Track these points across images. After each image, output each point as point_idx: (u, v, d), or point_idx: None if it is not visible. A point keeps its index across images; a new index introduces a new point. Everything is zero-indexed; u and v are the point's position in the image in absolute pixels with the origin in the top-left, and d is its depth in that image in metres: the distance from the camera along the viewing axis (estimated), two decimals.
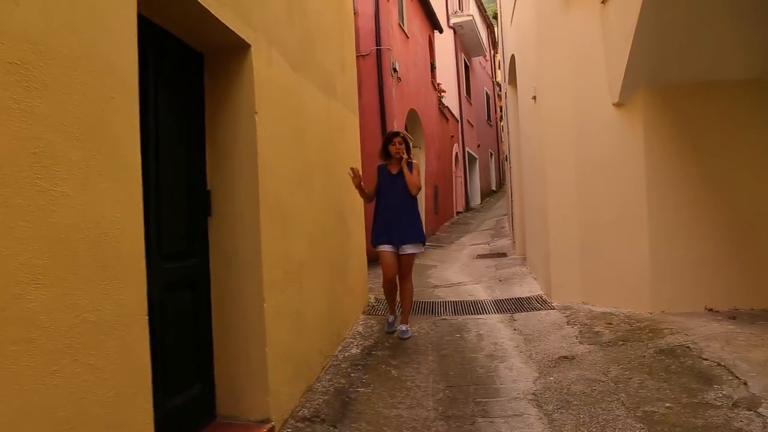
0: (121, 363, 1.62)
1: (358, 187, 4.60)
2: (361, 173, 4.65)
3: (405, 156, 4.62)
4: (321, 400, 3.37)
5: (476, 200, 21.06)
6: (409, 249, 4.60)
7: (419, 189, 4.70)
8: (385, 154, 4.70)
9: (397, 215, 4.58)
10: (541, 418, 3.06)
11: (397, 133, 4.74)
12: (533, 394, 3.39)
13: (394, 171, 4.66)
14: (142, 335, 1.74)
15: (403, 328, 4.64)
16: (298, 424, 3.05)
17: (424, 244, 4.84)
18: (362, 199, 5.00)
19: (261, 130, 2.86)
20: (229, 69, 2.85)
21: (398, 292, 4.77)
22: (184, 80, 2.73)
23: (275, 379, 2.90)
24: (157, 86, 2.43)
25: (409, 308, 4.75)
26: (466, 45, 19.63)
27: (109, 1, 1.66)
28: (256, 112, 2.83)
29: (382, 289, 4.93)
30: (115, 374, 1.59)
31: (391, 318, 4.87)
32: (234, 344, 2.83)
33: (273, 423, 2.83)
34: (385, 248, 4.58)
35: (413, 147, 11.71)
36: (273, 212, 2.98)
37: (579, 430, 2.87)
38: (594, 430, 2.84)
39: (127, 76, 1.76)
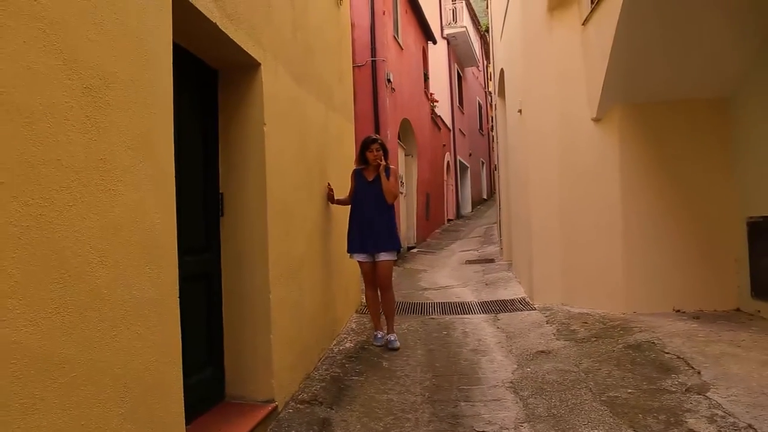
0: (159, 335, 1.95)
1: (330, 200, 4.64)
2: (332, 189, 4.68)
3: (383, 162, 4.54)
4: (319, 386, 3.69)
5: (467, 208, 21.45)
6: (383, 256, 4.51)
7: (396, 197, 4.62)
8: (362, 159, 4.64)
9: (371, 222, 4.51)
10: (517, 402, 3.39)
11: (375, 140, 4.61)
12: (511, 382, 3.73)
13: (370, 178, 4.60)
14: (174, 313, 2.06)
15: (391, 338, 4.61)
16: (298, 405, 3.37)
17: (398, 252, 4.82)
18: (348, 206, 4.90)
19: (268, 139, 3.19)
20: (241, 84, 3.18)
21: (381, 303, 4.70)
22: (201, 94, 3.06)
23: (279, 365, 3.21)
24: (180, 100, 2.75)
25: (392, 318, 4.69)
26: (459, 56, 20.09)
27: (152, 31, 1.99)
28: (264, 124, 3.16)
29: (362, 302, 5.19)
30: (156, 343, 1.92)
31: (379, 334, 4.74)
32: (242, 332, 3.15)
33: (276, 403, 3.14)
34: (360, 257, 4.59)
35: (406, 155, 12.15)
36: (278, 213, 3.31)
37: (550, 411, 3.21)
38: (563, 411, 3.18)
39: (165, 95, 2.09)
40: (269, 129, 3.20)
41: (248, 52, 2.99)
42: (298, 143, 3.85)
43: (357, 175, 4.70)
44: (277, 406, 3.14)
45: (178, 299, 2.09)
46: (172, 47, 2.15)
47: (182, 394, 2.12)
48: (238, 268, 3.13)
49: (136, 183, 1.83)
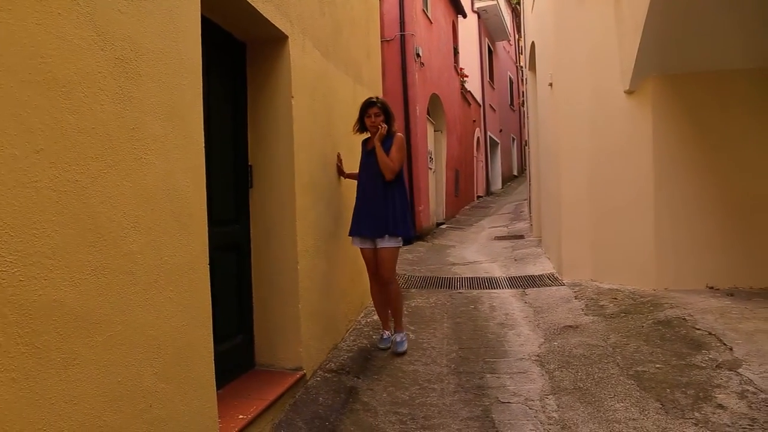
0: (190, 299, 2.02)
1: (341, 173, 4.17)
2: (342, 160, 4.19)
3: (381, 128, 3.80)
4: (346, 356, 3.77)
5: (497, 185, 21.25)
6: (383, 243, 3.77)
7: (394, 172, 3.77)
8: (362, 126, 3.94)
9: (371, 202, 3.81)
10: (542, 375, 3.41)
11: (373, 103, 3.86)
12: (537, 356, 3.74)
13: (370, 147, 3.91)
14: (204, 279, 2.13)
15: (398, 338, 3.90)
16: (326, 374, 3.45)
17: (408, 238, 4.00)
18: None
19: (296, 112, 3.22)
20: (269, 57, 3.21)
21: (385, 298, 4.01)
22: (229, 67, 3.10)
23: (306, 334, 3.29)
24: (209, 73, 2.79)
25: (400, 315, 3.98)
26: (490, 29, 19.70)
27: (181, 4, 2.02)
28: (292, 97, 3.19)
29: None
30: (187, 308, 1.99)
31: (385, 334, 4.04)
32: (271, 301, 3.22)
33: (304, 371, 3.22)
34: (357, 243, 3.94)
35: (435, 131, 12.04)
36: (306, 186, 3.35)
37: (576, 384, 3.22)
38: (589, 384, 3.19)
39: (194, 67, 2.12)
40: (297, 102, 3.23)
41: (276, 25, 3.01)
42: (326, 117, 3.87)
43: (362, 146, 4.09)
44: (305, 374, 3.22)
45: (208, 266, 2.16)
46: (200, 20, 2.18)
47: (212, 357, 2.20)
48: (267, 240, 3.20)
49: (166, 152, 1.88)
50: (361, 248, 3.93)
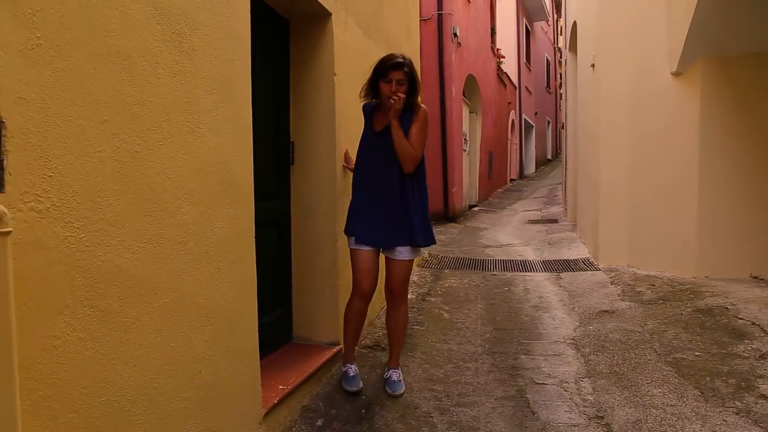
0: (238, 272, 2.08)
1: (351, 170, 3.17)
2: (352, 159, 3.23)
3: (398, 100, 2.68)
4: (381, 333, 3.81)
5: (531, 168, 20.97)
6: (401, 254, 2.85)
7: (416, 162, 2.80)
8: (374, 90, 2.85)
9: (383, 200, 2.82)
10: (578, 358, 3.40)
11: (400, 64, 2.73)
12: (572, 339, 3.72)
13: (379, 126, 2.88)
14: (251, 252, 2.19)
15: (395, 377, 2.99)
16: (361, 350, 3.50)
17: (426, 245, 2.98)
18: None
19: (339, 89, 3.23)
20: (312, 34, 3.22)
21: (388, 319, 3.10)
22: (273, 44, 3.12)
23: (344, 310, 3.33)
24: (254, 49, 2.81)
25: (401, 344, 3.11)
26: (528, 9, 19.27)
27: None
28: (335, 74, 3.20)
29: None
30: (234, 279, 2.04)
31: (350, 370, 2.97)
32: (309, 277, 3.28)
33: (341, 346, 3.27)
34: (354, 244, 2.90)
35: (470, 113, 11.90)
36: None
37: (612, 369, 3.20)
38: (625, 369, 3.17)
39: (243, 43, 2.15)
40: (339, 79, 3.24)
41: (319, 1, 3.00)
42: None
43: (366, 116, 3.03)
44: (341, 349, 3.27)
45: (254, 239, 2.20)
46: None
47: (257, 328, 2.26)
48: (307, 216, 3.24)
49: (216, 126, 1.92)
50: (357, 249, 2.88)
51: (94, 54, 1.36)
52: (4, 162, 1.12)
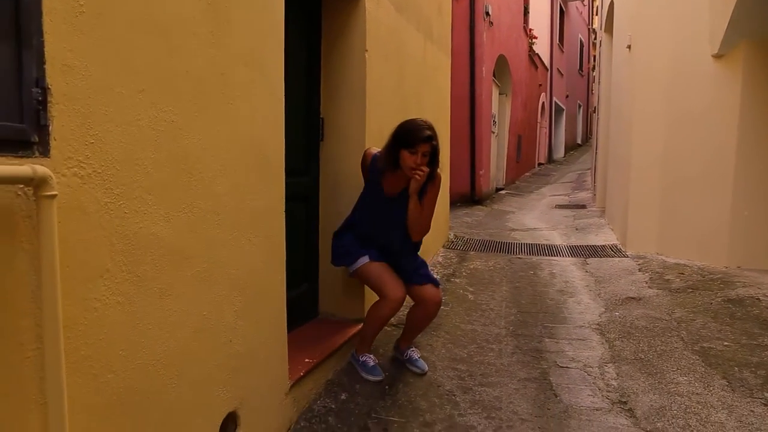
0: (268, 244, 2.11)
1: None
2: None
3: (421, 173, 2.60)
4: (405, 311, 3.82)
5: (559, 153, 20.64)
6: (429, 286, 2.87)
7: (425, 232, 2.87)
8: (394, 159, 2.65)
9: (386, 254, 2.85)
10: (602, 344, 3.38)
11: (429, 138, 2.56)
12: (598, 324, 3.70)
13: (394, 191, 2.76)
14: (281, 225, 2.21)
15: (416, 356, 3.06)
16: (386, 327, 3.51)
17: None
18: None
19: (369, 66, 3.21)
20: (344, 11, 3.19)
21: (415, 311, 2.99)
22: (305, 18, 3.11)
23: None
24: (286, 24, 2.81)
25: (420, 333, 3.19)
26: None
27: None
28: (366, 50, 3.18)
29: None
30: (264, 251, 2.08)
31: (369, 360, 2.95)
32: None
33: None
34: (378, 260, 2.81)
35: (500, 94, 11.72)
36: (375, 140, 3.35)
37: (637, 355, 3.17)
38: (650, 356, 3.14)
39: (277, 17, 2.15)
40: (371, 56, 3.22)
41: None
42: (397, 73, 3.84)
43: (373, 176, 2.85)
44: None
45: (284, 213, 2.23)
46: None
47: (285, 301, 2.29)
48: (335, 192, 3.25)
49: (250, 99, 1.93)
50: (375, 261, 2.80)
51: (133, 23, 1.38)
52: (50, 128, 1.15)
